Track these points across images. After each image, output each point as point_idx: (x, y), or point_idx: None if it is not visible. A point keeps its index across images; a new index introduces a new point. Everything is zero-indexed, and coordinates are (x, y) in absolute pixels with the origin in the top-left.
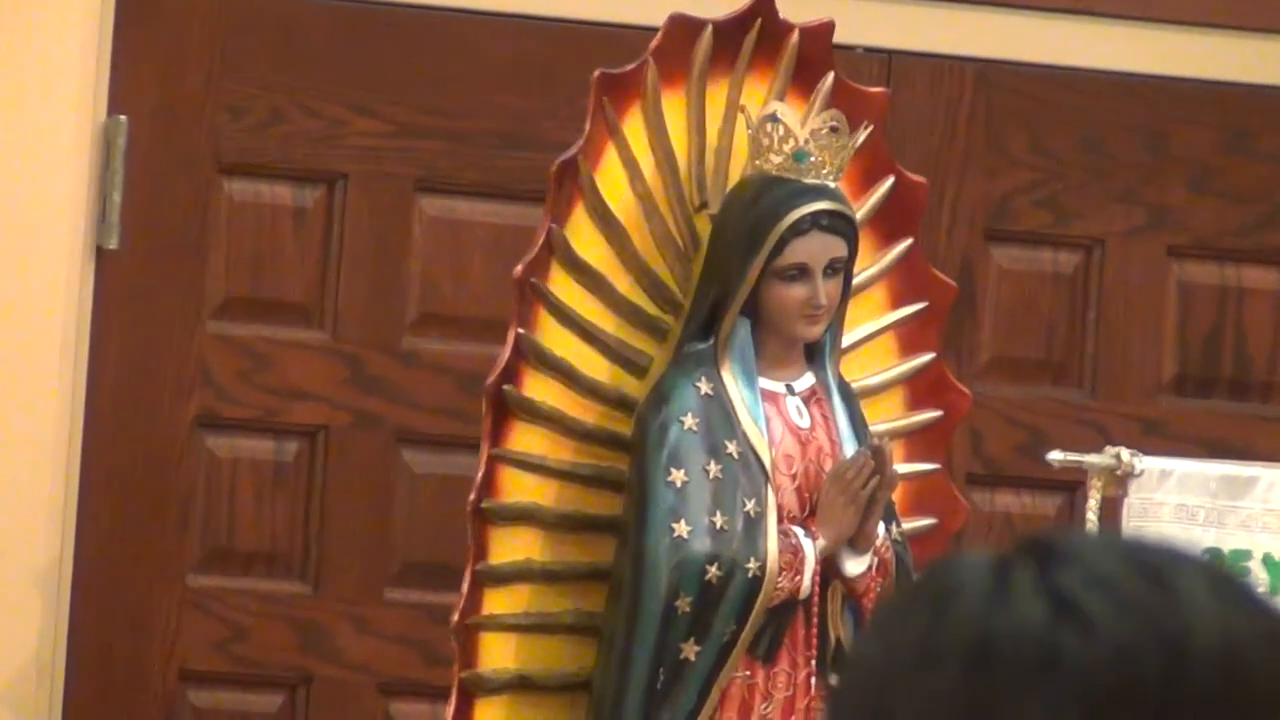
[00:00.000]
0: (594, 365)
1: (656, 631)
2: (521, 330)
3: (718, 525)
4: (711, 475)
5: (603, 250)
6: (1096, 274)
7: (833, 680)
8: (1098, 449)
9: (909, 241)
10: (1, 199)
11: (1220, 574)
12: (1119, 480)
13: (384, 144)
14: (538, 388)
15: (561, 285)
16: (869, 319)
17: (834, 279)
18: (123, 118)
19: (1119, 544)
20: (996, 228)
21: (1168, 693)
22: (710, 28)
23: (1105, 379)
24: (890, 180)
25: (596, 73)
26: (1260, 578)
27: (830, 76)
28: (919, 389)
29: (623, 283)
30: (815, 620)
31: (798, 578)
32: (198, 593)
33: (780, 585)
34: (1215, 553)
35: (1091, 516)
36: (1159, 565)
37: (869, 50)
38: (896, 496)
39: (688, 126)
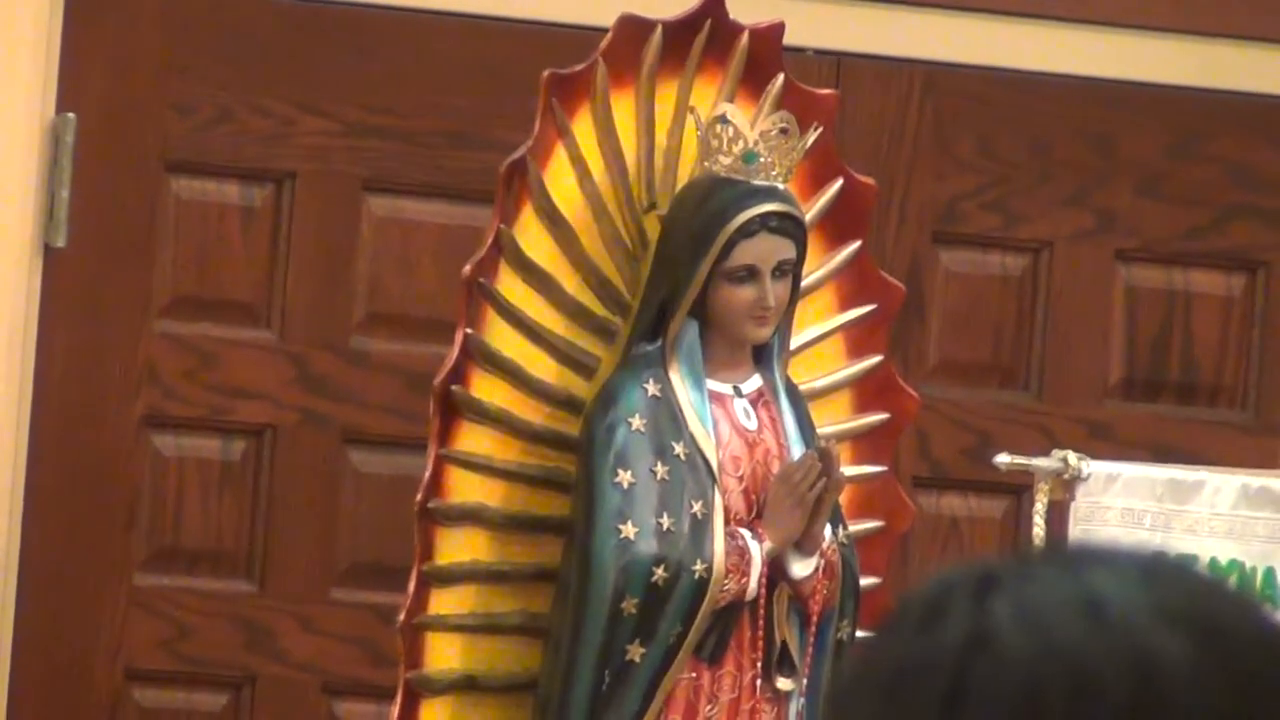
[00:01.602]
0: (542, 366)
1: (602, 632)
2: (469, 330)
3: (664, 527)
4: (659, 477)
5: (551, 251)
6: (1044, 277)
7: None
8: (1045, 452)
9: (857, 244)
10: None
11: (1181, 609)
12: (1066, 484)
13: (332, 143)
14: (485, 388)
15: (510, 286)
16: (817, 321)
17: (782, 281)
18: (71, 115)
19: (1069, 574)
20: (944, 230)
21: None
22: (660, 28)
23: (1052, 382)
24: (839, 182)
25: (546, 73)
26: None
27: (780, 78)
28: (866, 391)
29: (571, 283)
30: (761, 622)
31: (744, 580)
32: (144, 592)
33: (726, 587)
34: None
35: (1038, 520)
36: (1100, 598)
37: (818, 52)
38: (843, 499)
39: (637, 127)
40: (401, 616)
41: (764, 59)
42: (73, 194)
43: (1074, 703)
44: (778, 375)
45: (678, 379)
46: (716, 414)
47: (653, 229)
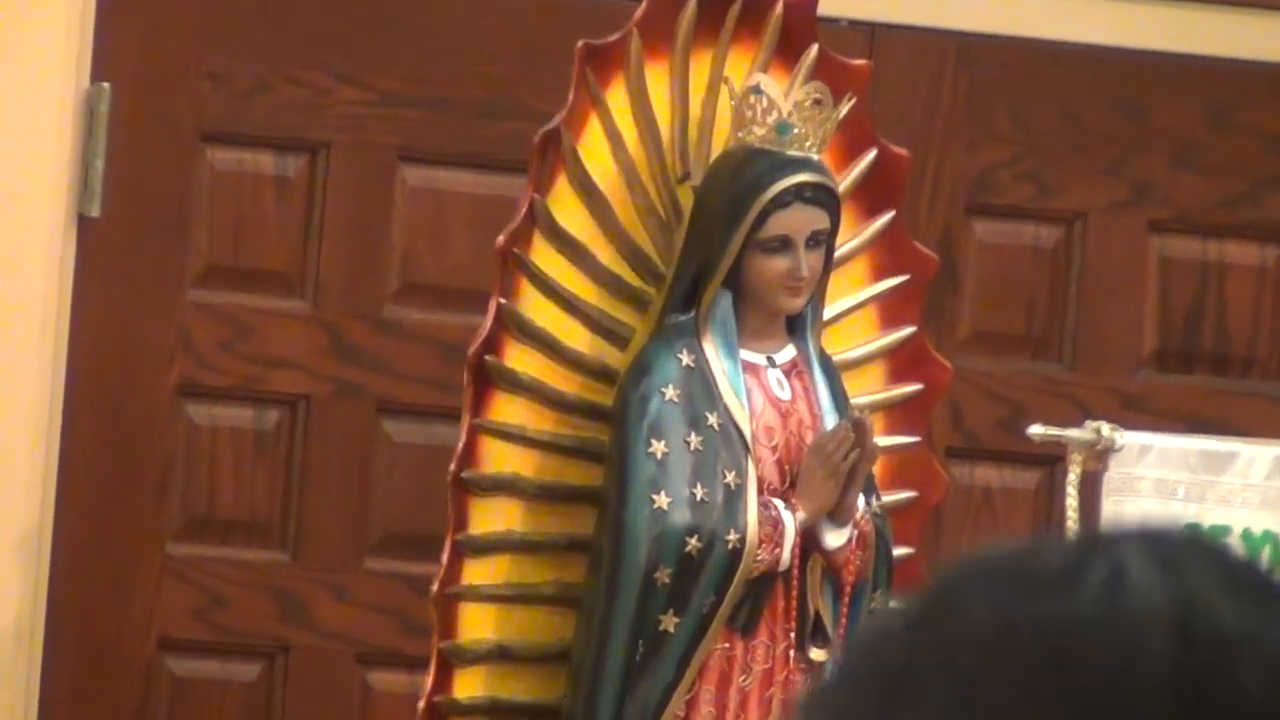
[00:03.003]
0: (575, 336)
1: (636, 603)
2: (503, 300)
3: (698, 497)
4: (692, 447)
5: (585, 221)
6: (1078, 248)
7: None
8: (1078, 424)
9: (890, 214)
10: None
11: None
12: (1099, 455)
13: (367, 113)
14: (519, 358)
15: (543, 256)
16: (850, 292)
17: (816, 251)
18: (105, 85)
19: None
20: (978, 201)
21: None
22: None
23: (1085, 353)
24: (873, 153)
25: (580, 43)
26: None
27: (814, 49)
28: (899, 362)
29: (605, 253)
30: (795, 593)
31: (777, 550)
32: (177, 561)
33: (760, 557)
34: (1195, 528)
35: (1071, 491)
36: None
37: (852, 23)
38: (877, 469)
39: (671, 98)
40: (435, 586)
41: (798, 30)
42: (107, 164)
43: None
44: (811, 346)
45: (711, 349)
46: (750, 384)
47: (686, 199)
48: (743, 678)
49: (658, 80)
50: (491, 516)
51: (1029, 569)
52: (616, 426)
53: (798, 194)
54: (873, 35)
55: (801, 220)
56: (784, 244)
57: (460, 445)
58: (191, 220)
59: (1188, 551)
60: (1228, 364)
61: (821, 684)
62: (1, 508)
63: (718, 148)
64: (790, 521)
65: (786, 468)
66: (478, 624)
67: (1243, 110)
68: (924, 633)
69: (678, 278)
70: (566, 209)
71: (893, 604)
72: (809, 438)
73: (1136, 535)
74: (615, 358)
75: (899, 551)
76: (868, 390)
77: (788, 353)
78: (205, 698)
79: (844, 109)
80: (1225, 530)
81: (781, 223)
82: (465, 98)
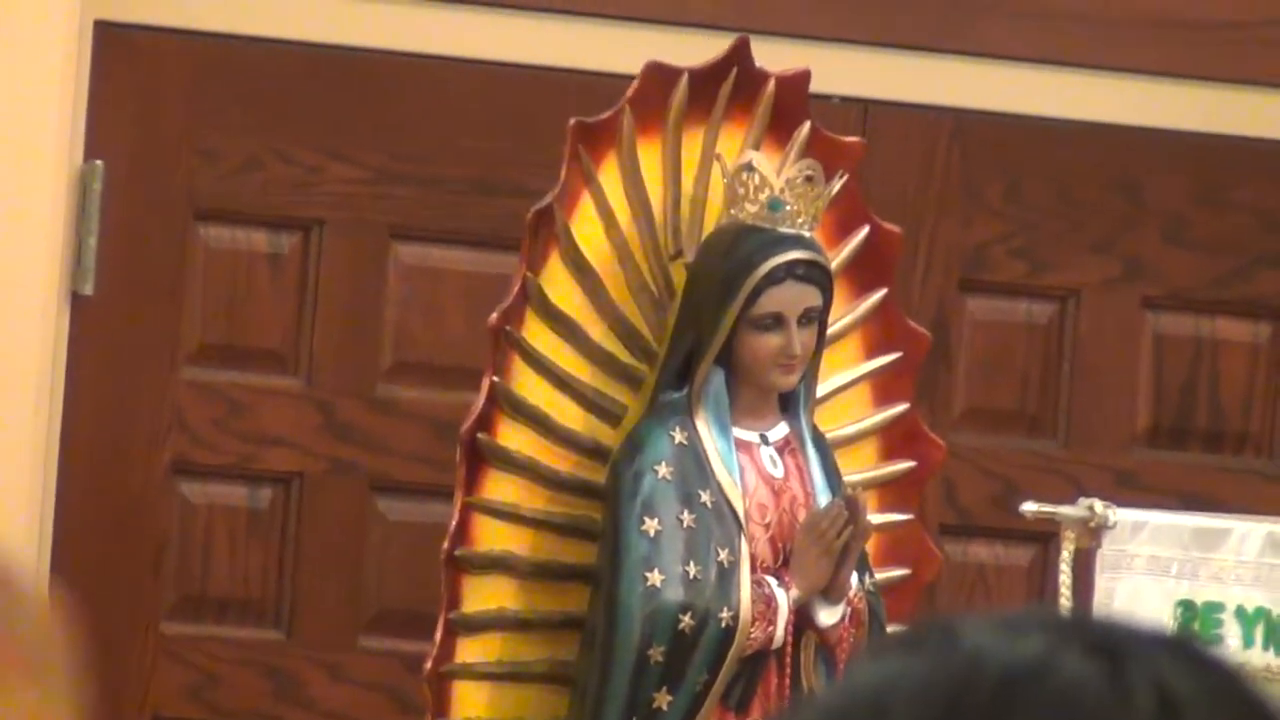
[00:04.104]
0: (569, 413)
1: (629, 680)
2: (496, 378)
3: (691, 574)
4: (685, 524)
5: (578, 298)
6: (1071, 325)
7: None
8: (1071, 501)
9: (883, 291)
10: None
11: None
12: (1092, 532)
13: (360, 190)
14: (512, 436)
15: (536, 333)
16: (843, 369)
17: (808, 328)
18: (99, 162)
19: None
20: (971, 278)
21: None
22: (686, 76)
23: (1079, 430)
24: (865, 230)
25: (572, 121)
26: (1232, 630)
27: (806, 125)
28: (892, 439)
29: (598, 331)
30: (788, 671)
31: (771, 628)
32: (171, 640)
33: (753, 635)
34: (1188, 605)
35: (1065, 568)
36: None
37: (845, 99)
38: (870, 547)
39: (663, 175)
40: (429, 665)
41: (790, 106)
42: (100, 241)
43: None
44: (804, 423)
45: (704, 427)
46: (743, 462)
47: (679, 277)
48: None
49: (650, 157)
50: (485, 594)
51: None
52: (610, 504)
53: (790, 271)
54: (865, 112)
55: (794, 297)
56: (776, 321)
57: (453, 523)
58: (185, 297)
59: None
60: (1221, 441)
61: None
62: None
63: (710, 225)
64: (784, 599)
65: (780, 545)
66: (471, 702)
67: (1235, 187)
68: None
69: (670, 355)
70: (559, 286)
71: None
72: (802, 515)
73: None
74: (608, 435)
75: (893, 629)
76: (861, 467)
77: (780, 430)
78: None
79: (836, 186)
80: (1219, 607)
81: (774, 300)
82: (458, 175)
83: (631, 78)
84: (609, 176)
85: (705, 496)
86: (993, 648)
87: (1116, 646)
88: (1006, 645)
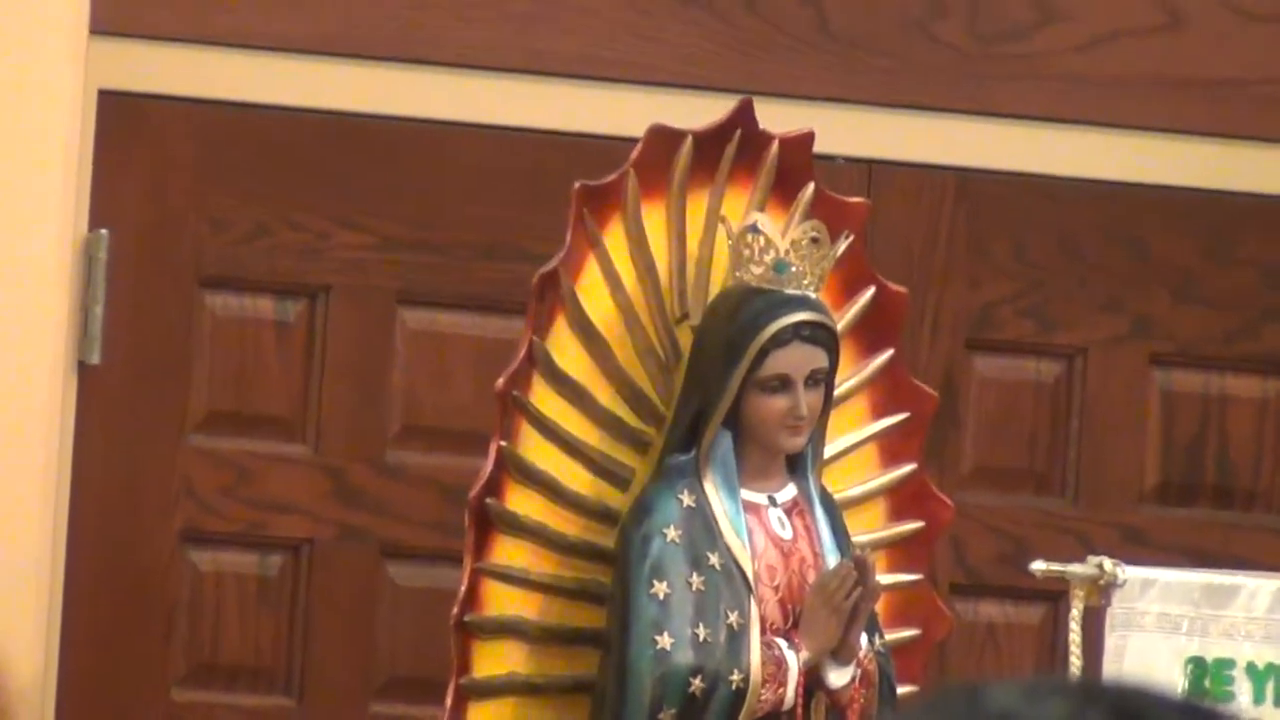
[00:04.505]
0: (576, 478)
1: None
2: (504, 443)
3: (701, 637)
4: (694, 587)
5: (584, 362)
6: (1079, 383)
7: None
8: (1080, 558)
9: (890, 352)
10: None
11: None
12: (1102, 590)
13: (366, 257)
14: (520, 501)
15: (543, 398)
16: (851, 429)
17: (815, 390)
18: (104, 231)
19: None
20: (978, 337)
21: None
22: (690, 138)
23: (1088, 488)
24: (871, 290)
25: (576, 184)
26: (1244, 687)
27: (810, 186)
28: (901, 499)
29: (604, 395)
30: None
31: (781, 690)
32: (182, 707)
33: (764, 697)
34: (1198, 662)
35: (1075, 627)
36: None
37: (849, 160)
38: (879, 607)
39: (668, 237)
40: None
41: (794, 167)
42: (107, 310)
43: None
44: (812, 484)
45: (712, 489)
46: (751, 524)
47: (685, 339)
48: None
49: (655, 220)
50: (495, 659)
51: None
52: (618, 568)
53: (796, 333)
54: (870, 172)
55: (800, 359)
56: (783, 383)
57: (463, 588)
58: (192, 365)
59: None
60: (1230, 497)
61: None
62: (7, 656)
63: (716, 287)
64: (794, 661)
65: (789, 607)
66: None
67: (1242, 243)
68: None
69: (677, 418)
70: (565, 350)
71: None
72: (811, 576)
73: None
74: (616, 499)
75: (903, 690)
76: (869, 528)
77: (789, 491)
78: None
79: (841, 247)
80: (1229, 664)
81: (780, 362)
82: (463, 240)
83: (635, 140)
84: (614, 240)
85: (714, 559)
86: (1018, 712)
87: (1138, 712)
88: (1031, 710)
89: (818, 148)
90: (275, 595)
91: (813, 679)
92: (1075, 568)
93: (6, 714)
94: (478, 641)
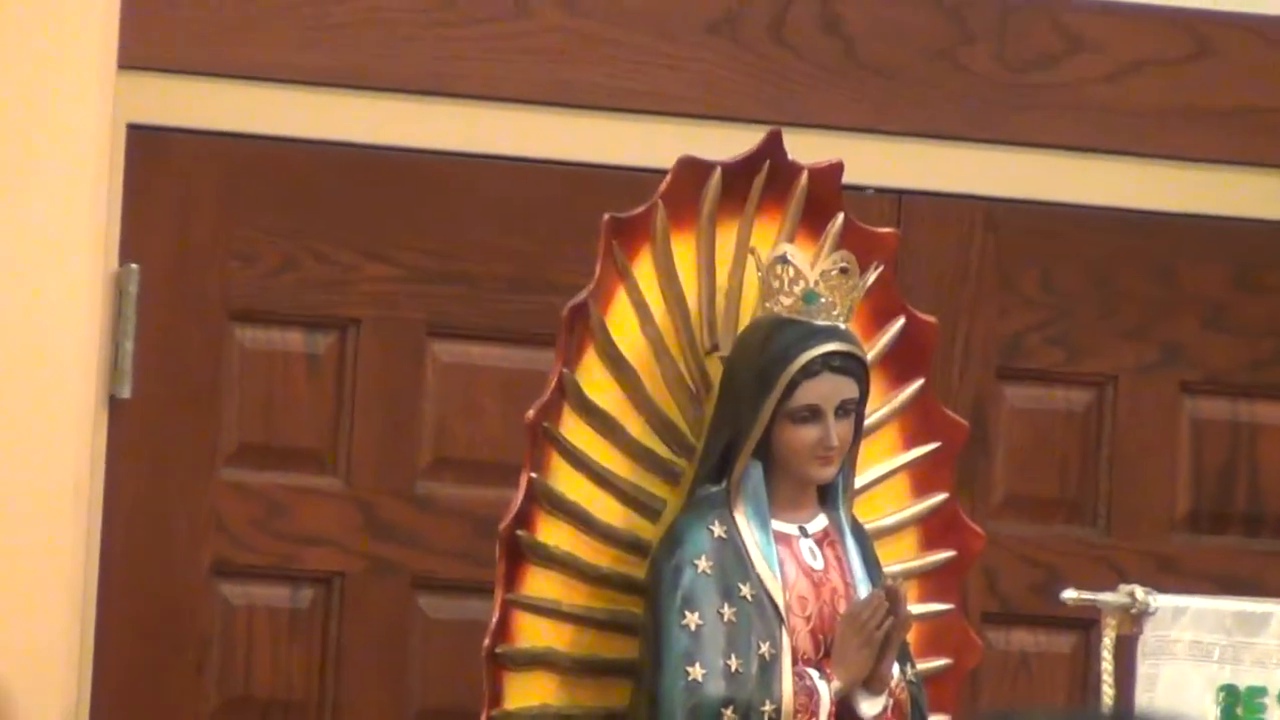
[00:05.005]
0: (607, 509)
1: None
2: (534, 474)
3: (732, 668)
4: (726, 618)
5: (614, 393)
6: (1109, 411)
7: None
8: (1112, 587)
9: (920, 382)
10: (14, 348)
11: None
12: (1134, 618)
13: (396, 289)
14: (551, 532)
15: (574, 429)
16: (881, 459)
17: (846, 420)
18: (134, 266)
19: None
20: (1008, 366)
21: None
22: (719, 170)
23: (1119, 516)
24: (901, 320)
25: (605, 216)
26: (1276, 714)
27: (840, 217)
28: (932, 529)
29: (635, 426)
30: None
31: (813, 719)
32: None
33: None
34: (1230, 690)
35: (1106, 655)
36: None
37: (879, 190)
38: (911, 637)
39: (698, 269)
40: None
41: (824, 198)
42: (137, 345)
43: None
44: (843, 514)
45: (743, 520)
46: (782, 554)
47: (715, 370)
48: None
49: (684, 251)
50: (527, 691)
51: None
52: (650, 599)
53: (826, 363)
54: (899, 202)
55: (830, 389)
56: (813, 414)
57: (494, 620)
58: (222, 399)
59: None
60: (1261, 524)
61: None
62: (40, 690)
63: (745, 318)
64: (825, 691)
65: (820, 637)
66: None
67: (1271, 270)
68: None
69: (708, 449)
70: (595, 382)
71: None
72: (842, 607)
73: None
74: (647, 530)
75: (935, 719)
76: (901, 558)
77: (819, 522)
78: None
79: (871, 277)
80: (1261, 691)
81: (810, 392)
82: (493, 272)
83: (664, 172)
84: (643, 271)
85: (745, 590)
86: None
87: None
88: None
89: (847, 178)
90: (306, 628)
91: (845, 709)
92: (1107, 596)
93: None
94: (509, 673)
